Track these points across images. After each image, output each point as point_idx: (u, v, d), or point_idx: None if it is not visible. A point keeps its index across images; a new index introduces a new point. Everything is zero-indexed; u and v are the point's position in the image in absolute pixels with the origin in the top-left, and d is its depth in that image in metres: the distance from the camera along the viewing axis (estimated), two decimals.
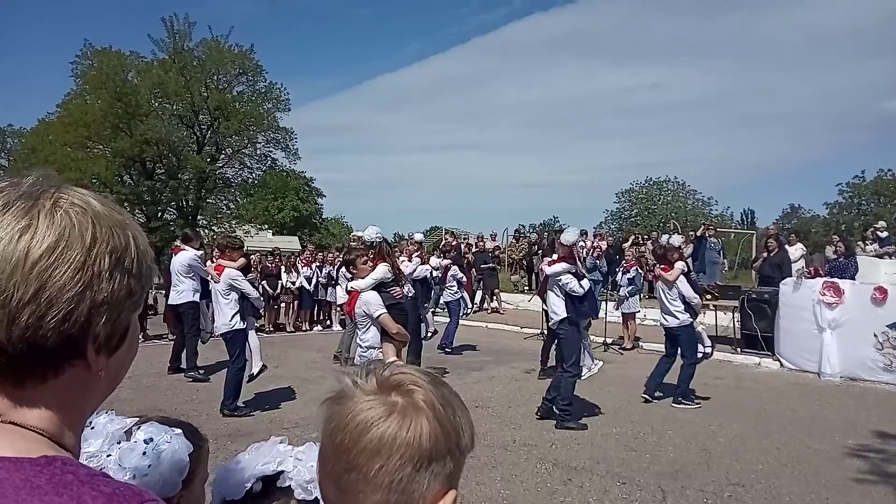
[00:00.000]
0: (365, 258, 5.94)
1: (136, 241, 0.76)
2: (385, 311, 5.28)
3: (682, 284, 7.75)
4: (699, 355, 7.95)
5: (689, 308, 7.82)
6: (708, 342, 8.89)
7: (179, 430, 1.26)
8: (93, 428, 1.18)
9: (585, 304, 6.98)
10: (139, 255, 0.75)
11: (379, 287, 5.70)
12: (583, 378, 7.03)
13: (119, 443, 1.18)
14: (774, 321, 10.78)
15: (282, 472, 1.23)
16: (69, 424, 0.75)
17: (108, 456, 1.15)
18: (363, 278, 5.78)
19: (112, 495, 0.66)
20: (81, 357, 0.72)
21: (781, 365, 10.52)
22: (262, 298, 7.24)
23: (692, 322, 7.99)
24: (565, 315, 6.96)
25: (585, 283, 6.94)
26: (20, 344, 0.67)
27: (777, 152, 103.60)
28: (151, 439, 1.19)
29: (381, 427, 0.78)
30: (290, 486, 1.22)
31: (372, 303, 5.32)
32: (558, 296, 7.03)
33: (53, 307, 0.67)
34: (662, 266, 8.01)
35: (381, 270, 5.92)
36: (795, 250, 13.47)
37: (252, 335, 7.45)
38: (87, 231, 0.70)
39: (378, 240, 6.66)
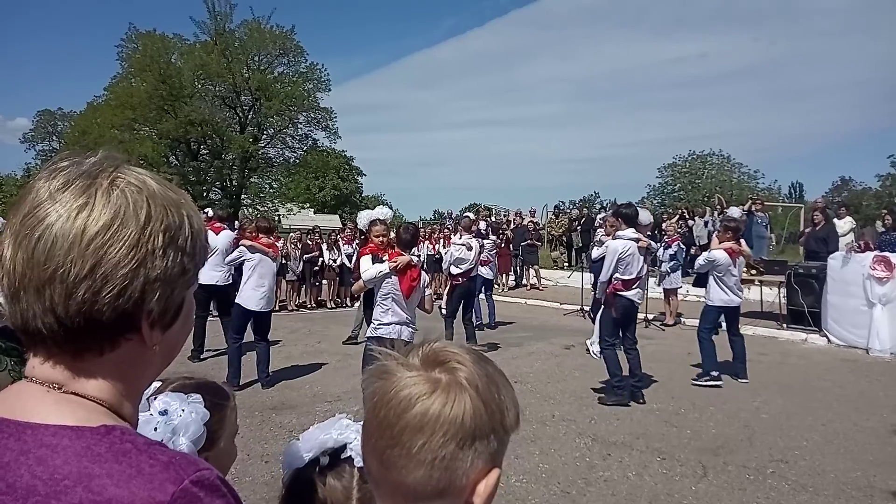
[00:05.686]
0: None
1: (190, 220, 0.78)
2: None
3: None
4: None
5: None
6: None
7: (198, 396, 1.27)
8: None
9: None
10: (193, 234, 0.78)
11: None
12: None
13: None
14: (822, 296, 10.53)
15: (345, 444, 1.27)
16: (127, 395, 0.79)
17: None
18: None
19: (168, 464, 0.70)
20: (136, 331, 0.75)
21: (829, 341, 10.30)
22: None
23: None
24: None
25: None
26: (77, 318, 0.71)
27: (827, 123, 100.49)
28: (166, 412, 1.21)
29: (424, 404, 0.78)
30: (351, 455, 1.26)
31: None
32: None
33: (108, 283, 0.71)
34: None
35: None
36: (844, 224, 13.05)
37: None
38: (142, 210, 0.73)
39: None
